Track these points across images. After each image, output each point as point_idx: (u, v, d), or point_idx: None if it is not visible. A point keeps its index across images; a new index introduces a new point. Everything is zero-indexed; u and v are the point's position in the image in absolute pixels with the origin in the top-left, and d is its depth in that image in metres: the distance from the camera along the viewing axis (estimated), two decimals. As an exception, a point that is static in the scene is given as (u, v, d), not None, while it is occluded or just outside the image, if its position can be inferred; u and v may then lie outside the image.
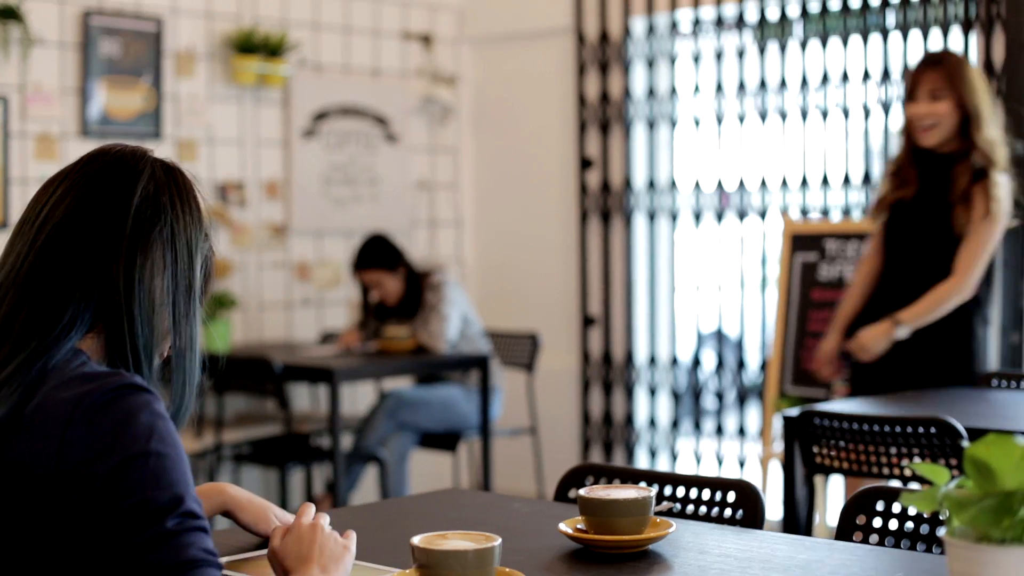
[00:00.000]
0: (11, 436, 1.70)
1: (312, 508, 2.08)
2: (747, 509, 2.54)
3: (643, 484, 2.63)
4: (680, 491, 2.66)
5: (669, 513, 2.55)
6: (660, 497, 2.65)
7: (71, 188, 1.86)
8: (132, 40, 6.51)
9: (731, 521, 2.55)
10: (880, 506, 2.43)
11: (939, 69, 4.62)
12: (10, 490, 1.68)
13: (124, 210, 1.85)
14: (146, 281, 1.84)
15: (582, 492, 2.27)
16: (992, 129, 4.62)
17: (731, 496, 2.59)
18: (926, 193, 4.68)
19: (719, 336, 7.06)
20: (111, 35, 6.43)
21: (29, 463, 1.67)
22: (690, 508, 2.63)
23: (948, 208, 4.59)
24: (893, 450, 3.63)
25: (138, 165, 1.90)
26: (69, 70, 6.33)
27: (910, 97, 4.66)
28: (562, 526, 2.28)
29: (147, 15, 6.57)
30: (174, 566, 1.66)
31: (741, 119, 6.84)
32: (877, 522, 2.43)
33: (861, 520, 2.44)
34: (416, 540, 1.96)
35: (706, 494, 2.62)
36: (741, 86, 6.81)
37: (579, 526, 2.28)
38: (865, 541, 2.42)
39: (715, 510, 2.59)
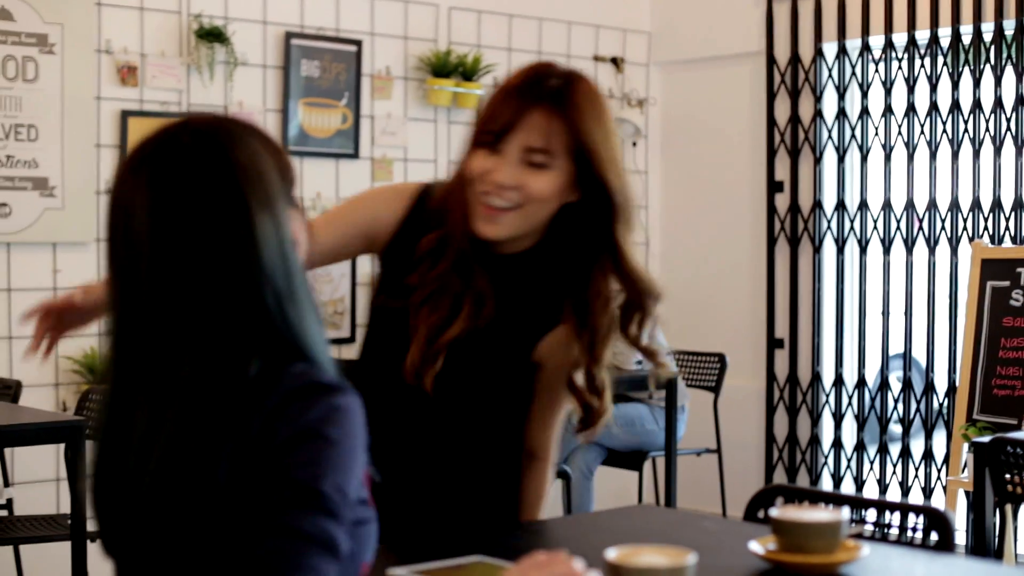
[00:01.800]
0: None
1: (567, 564, 1.83)
2: (940, 535, 2.55)
3: (832, 506, 2.66)
4: (870, 514, 2.67)
5: (859, 536, 2.58)
6: (850, 520, 2.67)
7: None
8: (331, 61, 6.69)
9: (922, 547, 2.56)
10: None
11: (561, 112, 2.47)
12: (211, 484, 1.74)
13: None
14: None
15: (775, 513, 2.30)
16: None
17: (921, 522, 2.60)
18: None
19: (907, 361, 6.99)
20: (311, 57, 6.62)
21: (229, 456, 1.74)
22: (879, 532, 2.65)
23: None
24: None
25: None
26: (271, 90, 6.54)
27: (495, 140, 2.48)
28: (753, 545, 2.31)
29: (346, 38, 6.76)
30: (283, 531, 1.69)
31: (932, 144, 6.78)
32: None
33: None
34: (610, 555, 2.00)
35: (896, 519, 2.63)
36: (933, 110, 6.76)
37: (770, 546, 2.30)
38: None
39: (906, 535, 2.60)
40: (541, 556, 1.85)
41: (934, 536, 2.55)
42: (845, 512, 2.29)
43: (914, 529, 2.59)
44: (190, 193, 1.77)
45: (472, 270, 2.56)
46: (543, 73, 2.52)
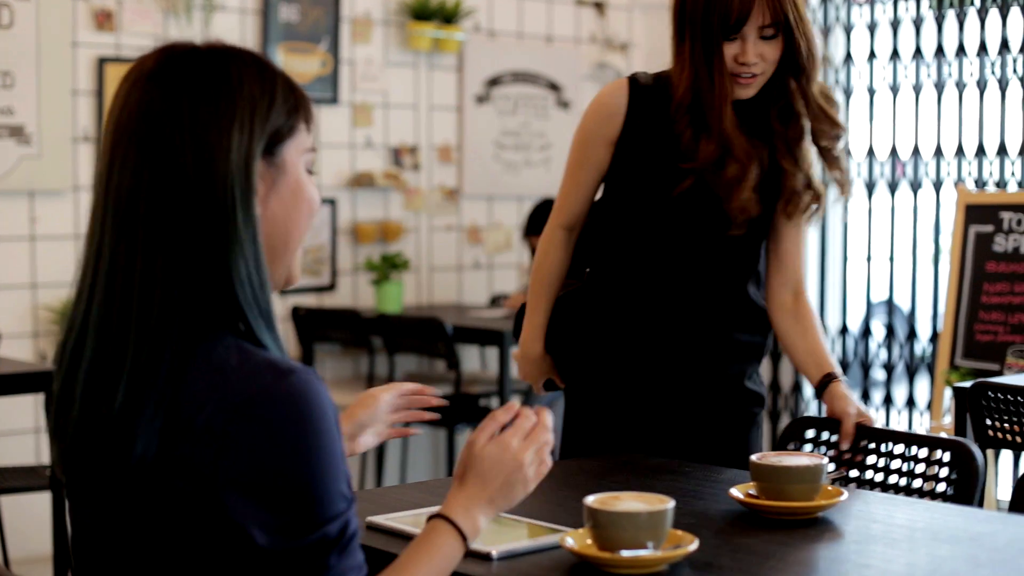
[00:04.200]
0: (173, 437, 1.62)
1: (531, 418, 1.94)
2: (963, 470, 2.56)
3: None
4: (894, 448, 2.68)
5: (842, 480, 2.57)
6: (841, 462, 2.68)
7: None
8: (310, 6, 6.63)
9: (946, 481, 2.58)
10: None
11: None
12: (168, 492, 1.62)
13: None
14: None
15: (755, 458, 2.29)
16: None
17: (946, 456, 2.61)
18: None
19: (889, 307, 6.98)
20: (290, 1, 6.55)
21: (187, 469, 1.60)
22: (903, 466, 2.66)
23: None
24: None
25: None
26: (249, 35, 6.47)
27: (733, 30, 2.99)
28: (733, 491, 2.30)
29: (326, -19, 6.69)
30: None
31: (916, 88, 6.74)
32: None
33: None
34: (590, 500, 1.99)
35: (915, 452, 2.64)
36: (917, 54, 6.71)
37: (750, 491, 2.30)
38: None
39: (920, 468, 2.61)
40: (501, 415, 1.89)
41: (945, 473, 2.56)
42: (825, 458, 2.28)
43: (930, 462, 2.59)
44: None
45: (733, 131, 3.08)
46: None
